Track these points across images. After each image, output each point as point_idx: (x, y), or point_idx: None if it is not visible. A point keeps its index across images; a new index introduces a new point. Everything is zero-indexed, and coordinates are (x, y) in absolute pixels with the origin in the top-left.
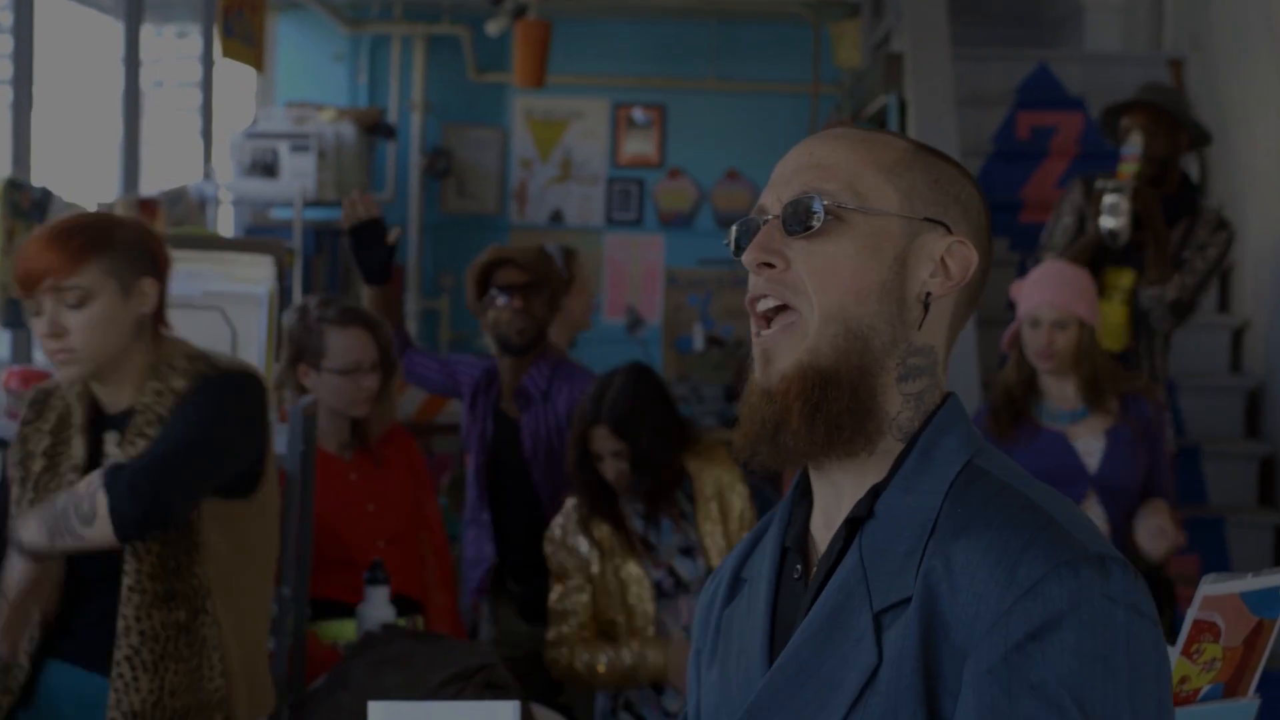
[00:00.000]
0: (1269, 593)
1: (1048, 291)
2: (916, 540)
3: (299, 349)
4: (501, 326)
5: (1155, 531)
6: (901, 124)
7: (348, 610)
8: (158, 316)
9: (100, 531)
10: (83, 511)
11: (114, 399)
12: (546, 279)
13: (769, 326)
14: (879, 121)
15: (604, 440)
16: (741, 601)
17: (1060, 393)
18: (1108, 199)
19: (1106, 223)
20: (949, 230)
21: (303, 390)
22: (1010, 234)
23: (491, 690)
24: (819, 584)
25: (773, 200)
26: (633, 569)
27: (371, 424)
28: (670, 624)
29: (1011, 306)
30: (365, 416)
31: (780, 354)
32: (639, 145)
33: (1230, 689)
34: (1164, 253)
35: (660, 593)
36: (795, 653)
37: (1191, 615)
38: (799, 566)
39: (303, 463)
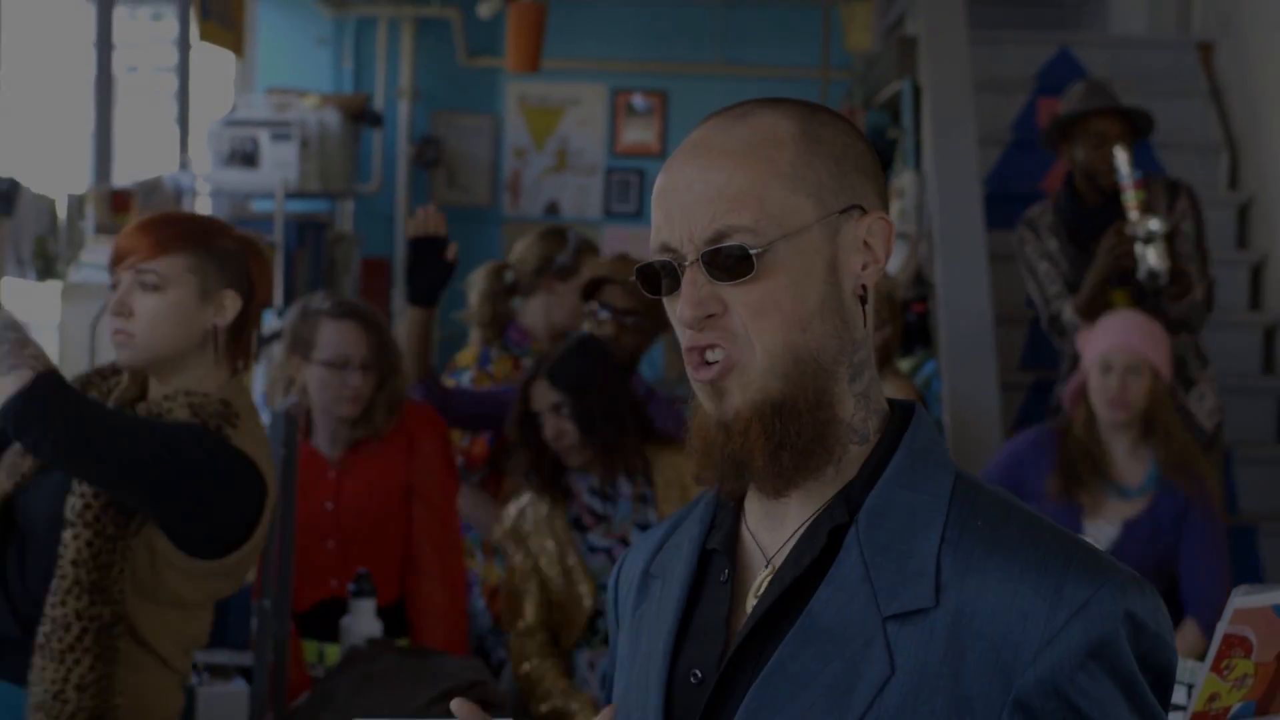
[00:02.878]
0: None
1: (1120, 335)
2: (927, 545)
3: (294, 340)
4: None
5: None
6: (916, 110)
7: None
8: (236, 342)
9: None
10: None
11: None
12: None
13: (706, 366)
14: (892, 109)
15: (543, 394)
16: (652, 602)
17: (1124, 460)
18: (1144, 247)
19: (1151, 264)
20: (863, 210)
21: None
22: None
23: (484, 708)
24: (784, 586)
25: (683, 238)
26: (576, 566)
27: (367, 428)
28: None
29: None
30: (355, 420)
31: (731, 391)
32: (639, 133)
33: (1263, 707)
34: (1180, 265)
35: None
36: (794, 655)
37: (1221, 629)
38: (727, 570)
39: (284, 469)
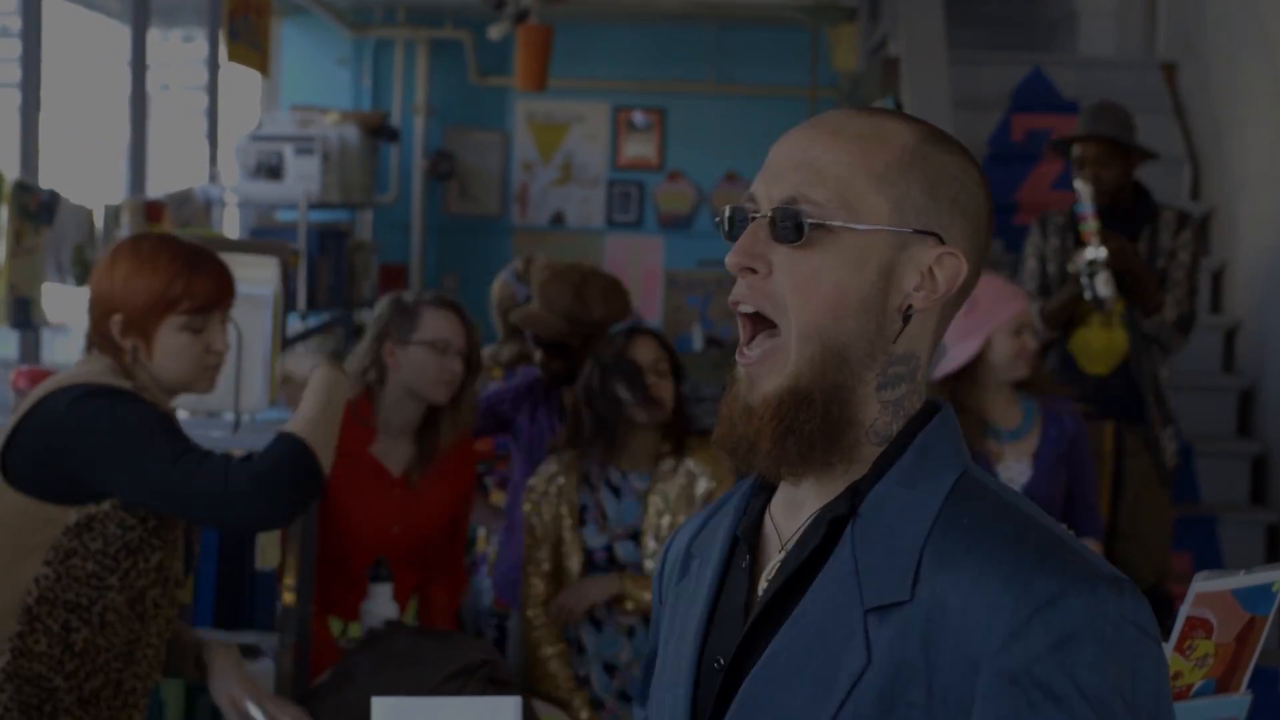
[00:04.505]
0: (1260, 589)
1: (1019, 301)
2: (913, 541)
3: (388, 326)
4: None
5: None
6: None
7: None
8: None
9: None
10: None
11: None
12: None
13: (752, 345)
14: None
15: (649, 348)
16: (690, 581)
17: (1004, 409)
18: (1090, 279)
19: (1100, 291)
20: (940, 240)
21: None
22: (1005, 236)
23: (494, 685)
24: (787, 577)
25: (764, 193)
26: (573, 544)
27: (443, 432)
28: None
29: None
30: (438, 422)
31: (764, 379)
32: (639, 148)
33: (1223, 685)
34: (1150, 283)
35: (592, 564)
36: (786, 645)
37: (1184, 612)
38: (747, 557)
39: None
